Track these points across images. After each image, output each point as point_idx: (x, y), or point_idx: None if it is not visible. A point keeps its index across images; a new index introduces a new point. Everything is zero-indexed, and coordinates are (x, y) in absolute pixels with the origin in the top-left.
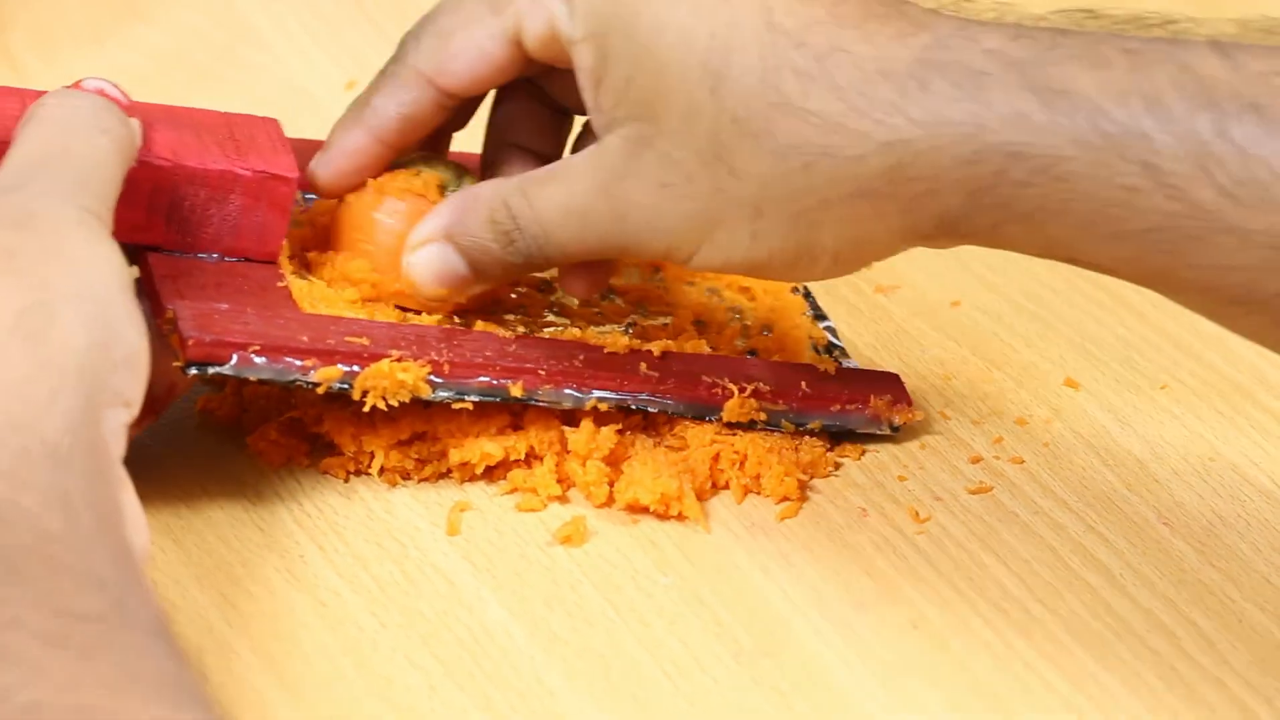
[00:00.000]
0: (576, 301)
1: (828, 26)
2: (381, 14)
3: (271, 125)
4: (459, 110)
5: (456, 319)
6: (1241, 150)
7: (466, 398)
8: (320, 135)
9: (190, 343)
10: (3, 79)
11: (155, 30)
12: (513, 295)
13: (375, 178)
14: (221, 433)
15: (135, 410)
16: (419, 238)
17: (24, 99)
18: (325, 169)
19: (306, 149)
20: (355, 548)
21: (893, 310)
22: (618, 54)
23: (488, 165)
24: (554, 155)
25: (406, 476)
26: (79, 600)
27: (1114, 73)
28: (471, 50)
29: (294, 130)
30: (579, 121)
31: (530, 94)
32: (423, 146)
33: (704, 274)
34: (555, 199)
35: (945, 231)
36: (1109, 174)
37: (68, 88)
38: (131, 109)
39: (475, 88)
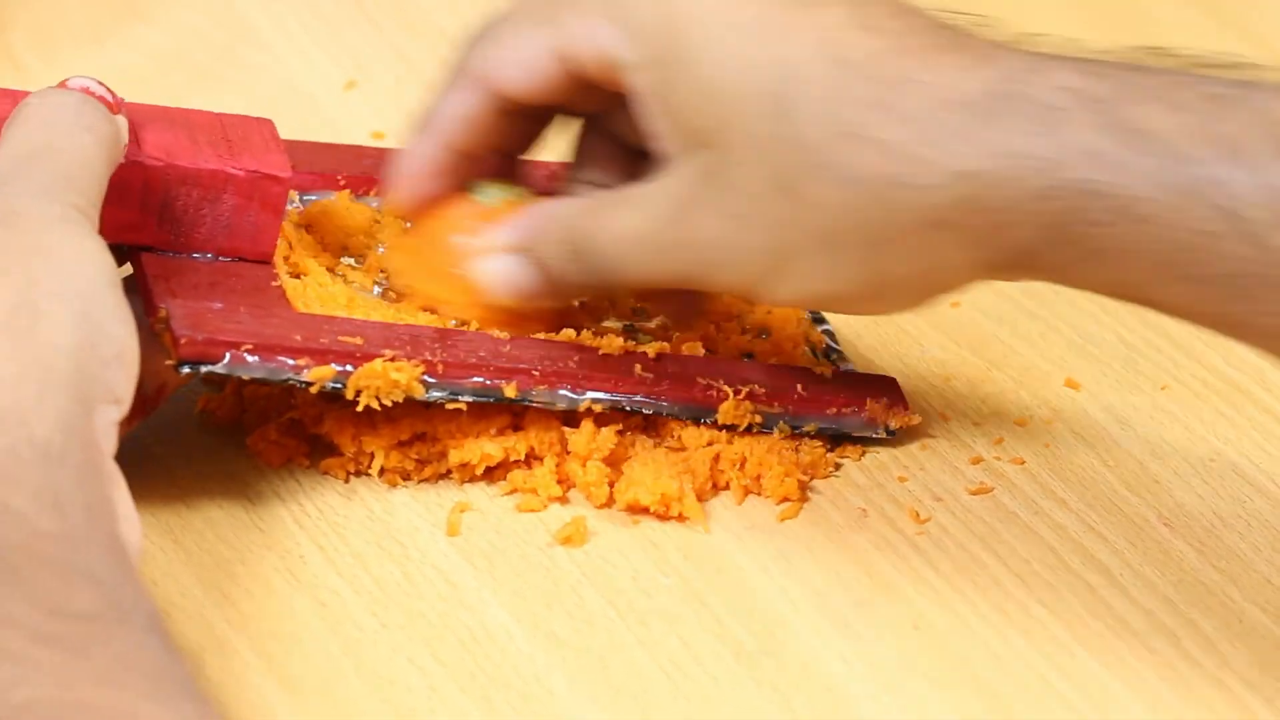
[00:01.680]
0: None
1: (894, 57)
2: (381, 14)
3: (266, 125)
4: (521, 124)
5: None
6: None
7: (460, 398)
8: (320, 135)
9: (183, 341)
10: (3, 79)
11: (155, 30)
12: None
13: (448, 189)
14: (222, 433)
15: (125, 407)
16: (491, 245)
17: (15, 99)
18: (397, 179)
19: (302, 150)
20: (355, 548)
21: (879, 315)
22: (678, 82)
23: (564, 192)
24: None
25: (406, 477)
26: (72, 598)
27: (1192, 116)
28: (521, 58)
29: (294, 130)
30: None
31: (605, 131)
32: (493, 168)
33: None
34: (626, 224)
35: (1019, 265)
36: (1187, 217)
37: (53, 87)
38: (121, 108)
39: (528, 95)
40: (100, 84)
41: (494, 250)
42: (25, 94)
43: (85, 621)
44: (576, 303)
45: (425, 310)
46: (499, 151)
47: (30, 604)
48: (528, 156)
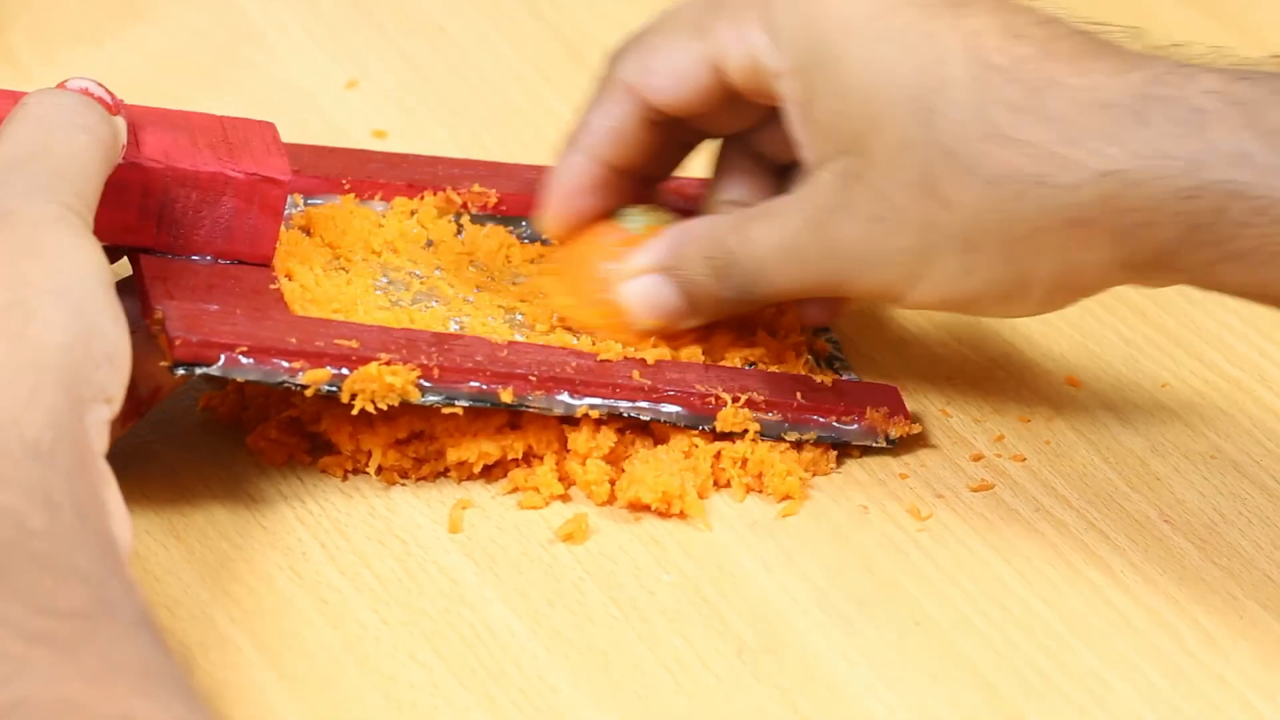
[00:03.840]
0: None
1: (1040, 62)
2: (382, 14)
3: (266, 128)
4: (668, 141)
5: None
6: None
7: (456, 402)
8: (321, 136)
9: (177, 343)
10: (3, 79)
11: (155, 30)
12: None
13: (599, 207)
14: (224, 430)
15: (117, 406)
16: (636, 267)
17: (14, 99)
18: (553, 196)
19: (306, 153)
20: (357, 545)
21: (895, 308)
22: (825, 88)
23: (705, 211)
24: None
25: (404, 476)
26: (62, 596)
27: None
28: (674, 67)
29: (295, 130)
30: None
31: (746, 150)
32: (639, 192)
33: None
34: (768, 235)
35: (1160, 265)
36: None
37: (51, 88)
38: (120, 109)
39: (679, 106)
40: (99, 85)
41: (637, 272)
42: (23, 94)
43: (75, 619)
44: None
45: (569, 332)
46: (645, 172)
47: (20, 602)
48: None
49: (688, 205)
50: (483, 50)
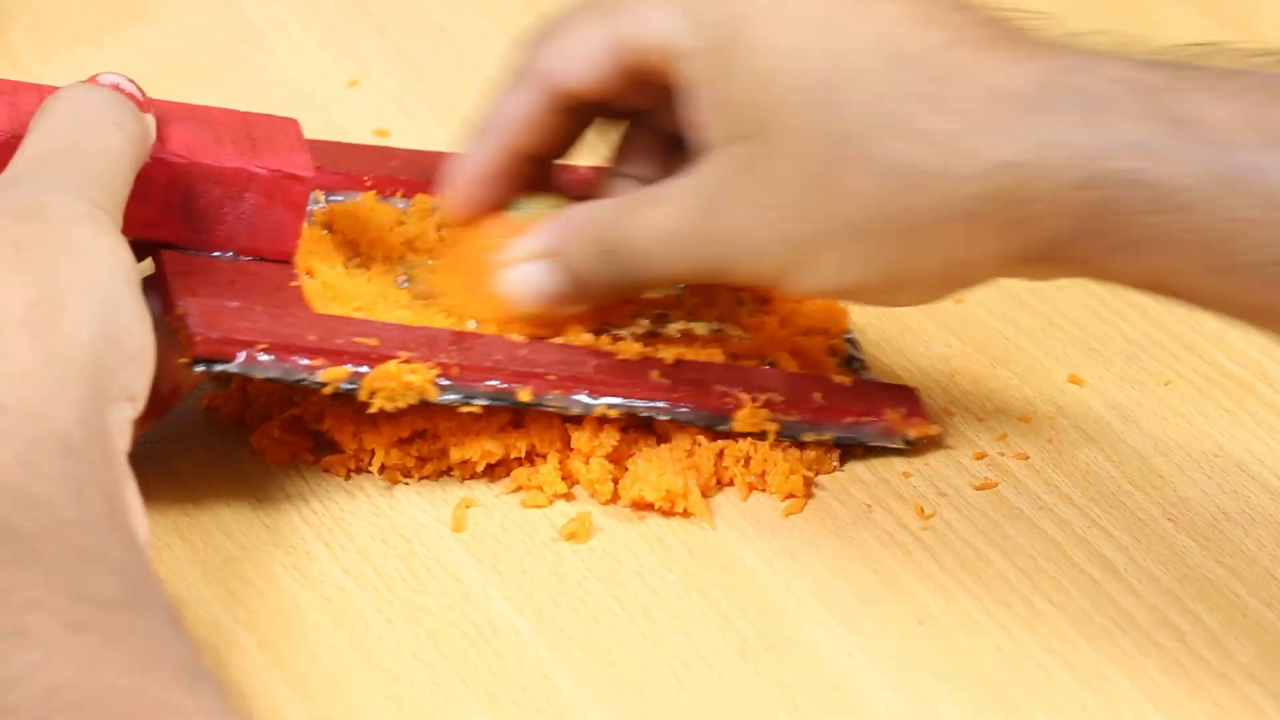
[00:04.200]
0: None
1: (952, 49)
2: (382, 14)
3: (290, 125)
4: (570, 125)
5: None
6: None
7: (475, 401)
8: (322, 135)
9: (198, 339)
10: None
11: (155, 30)
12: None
13: (504, 194)
14: (228, 429)
15: (140, 406)
16: (518, 254)
17: (41, 94)
18: (453, 184)
19: (328, 150)
20: (361, 544)
21: (897, 307)
22: (730, 70)
23: (600, 193)
24: None
25: (407, 474)
26: (98, 584)
27: (1242, 105)
28: (582, 50)
29: None
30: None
31: (645, 124)
32: (533, 176)
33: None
34: (656, 219)
35: (1049, 257)
36: (1229, 206)
37: (83, 82)
38: (149, 106)
39: (587, 90)
40: (130, 81)
41: (521, 258)
42: (54, 89)
43: (111, 608)
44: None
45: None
46: (546, 155)
47: (55, 589)
48: (563, 160)
49: (582, 188)
50: (483, 50)
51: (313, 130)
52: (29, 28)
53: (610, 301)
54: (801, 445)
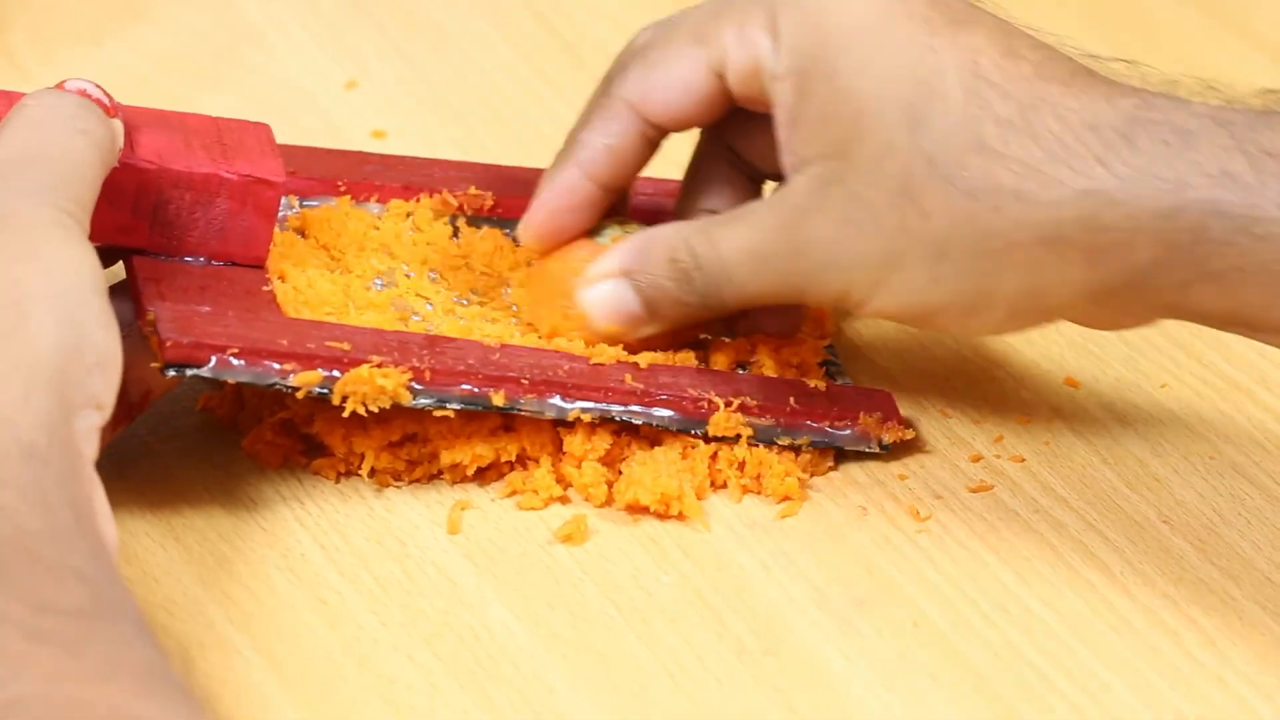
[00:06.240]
0: None
1: (1034, 82)
2: (382, 14)
3: (262, 130)
4: (654, 149)
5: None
6: None
7: (448, 405)
8: (320, 136)
9: (168, 344)
10: (3, 79)
11: (155, 30)
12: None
13: (584, 224)
14: (222, 430)
15: (108, 413)
16: (597, 273)
17: (11, 100)
18: (539, 211)
19: (301, 155)
20: (356, 546)
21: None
22: (817, 92)
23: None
24: None
25: (397, 478)
26: (61, 594)
27: None
28: (677, 80)
29: (294, 131)
30: (769, 188)
31: (726, 159)
32: (616, 194)
33: None
34: (736, 238)
35: (1132, 287)
36: None
37: (50, 88)
38: (117, 111)
39: (680, 120)
40: (97, 86)
41: (599, 277)
42: (21, 95)
43: (75, 618)
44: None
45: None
46: (624, 186)
47: (21, 600)
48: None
49: (656, 202)
50: (483, 50)
51: (312, 131)
52: (29, 28)
53: (688, 323)
54: (795, 448)
